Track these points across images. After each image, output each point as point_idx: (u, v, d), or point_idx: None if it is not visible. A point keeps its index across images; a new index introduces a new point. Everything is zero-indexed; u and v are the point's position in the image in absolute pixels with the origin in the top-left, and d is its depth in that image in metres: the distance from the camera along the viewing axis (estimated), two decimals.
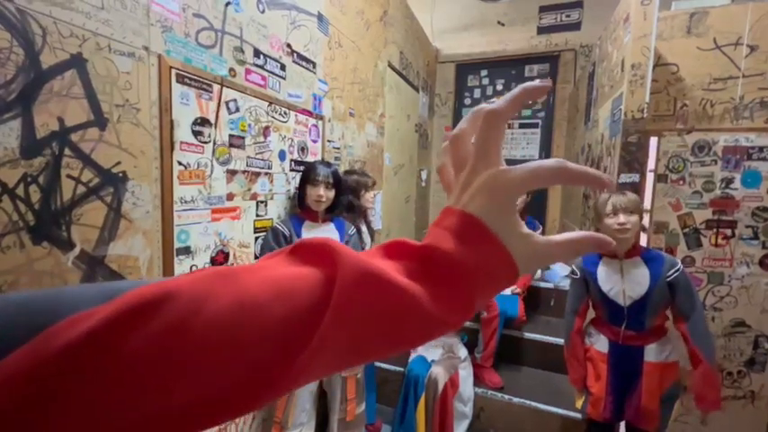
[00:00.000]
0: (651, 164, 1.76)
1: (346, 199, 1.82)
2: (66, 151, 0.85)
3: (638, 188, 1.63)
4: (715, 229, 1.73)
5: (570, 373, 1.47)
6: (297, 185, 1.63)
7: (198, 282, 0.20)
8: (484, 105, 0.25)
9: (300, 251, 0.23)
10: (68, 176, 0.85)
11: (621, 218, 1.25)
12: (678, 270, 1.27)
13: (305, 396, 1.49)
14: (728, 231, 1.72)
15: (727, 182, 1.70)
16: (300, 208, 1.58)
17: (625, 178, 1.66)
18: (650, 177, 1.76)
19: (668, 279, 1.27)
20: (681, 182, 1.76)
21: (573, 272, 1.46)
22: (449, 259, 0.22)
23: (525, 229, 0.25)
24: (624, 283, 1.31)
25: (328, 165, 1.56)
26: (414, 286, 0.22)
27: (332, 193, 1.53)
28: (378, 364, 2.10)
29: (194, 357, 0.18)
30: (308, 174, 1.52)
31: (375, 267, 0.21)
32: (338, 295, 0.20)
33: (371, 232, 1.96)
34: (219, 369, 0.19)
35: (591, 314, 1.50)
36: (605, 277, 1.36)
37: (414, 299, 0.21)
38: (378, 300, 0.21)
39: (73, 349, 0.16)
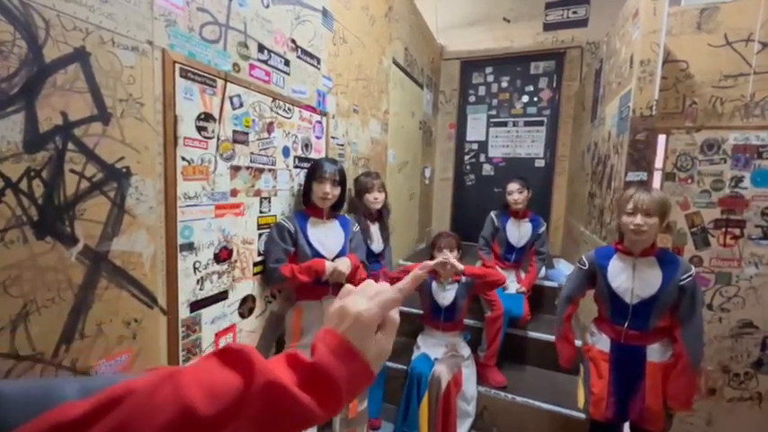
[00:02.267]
0: (659, 162, 1.73)
1: (350, 198, 1.82)
2: (70, 146, 0.84)
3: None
4: (723, 229, 1.71)
5: (561, 353, 1.50)
6: (301, 182, 1.63)
7: (149, 380, 0.29)
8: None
9: (227, 356, 0.33)
10: (72, 171, 0.85)
11: (638, 219, 1.22)
12: (691, 276, 1.25)
13: None
14: (737, 231, 1.70)
15: (737, 181, 1.67)
16: (306, 205, 1.57)
17: (632, 176, 1.64)
18: (658, 176, 1.74)
19: (681, 283, 1.25)
20: (689, 180, 1.73)
21: (581, 261, 1.44)
22: (328, 375, 0.33)
23: (375, 340, 0.37)
24: (634, 281, 1.30)
25: (334, 162, 1.56)
26: (303, 394, 0.32)
27: (337, 191, 1.52)
28: None
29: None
30: (314, 170, 1.51)
31: (278, 379, 0.32)
32: (251, 397, 0.31)
33: (386, 235, 1.96)
34: None
35: (594, 312, 1.49)
36: (616, 272, 1.34)
37: (303, 403, 0.32)
38: (278, 402, 0.32)
39: (61, 428, 0.26)
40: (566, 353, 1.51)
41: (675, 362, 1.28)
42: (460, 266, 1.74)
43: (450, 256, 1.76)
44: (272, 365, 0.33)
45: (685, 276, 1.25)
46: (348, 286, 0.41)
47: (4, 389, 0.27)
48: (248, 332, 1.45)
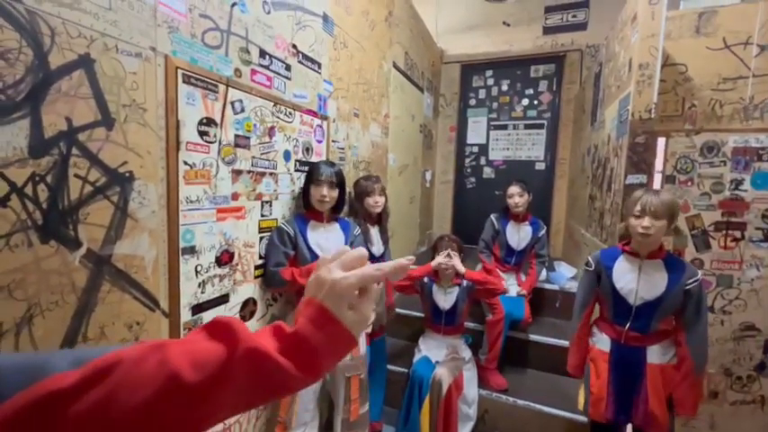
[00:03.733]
0: (659, 165, 1.74)
1: (350, 201, 1.83)
2: (74, 151, 0.85)
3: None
4: (724, 231, 1.71)
5: (570, 359, 1.48)
6: (302, 186, 1.64)
7: (138, 350, 0.31)
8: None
9: (213, 328, 0.35)
10: (76, 176, 0.86)
11: (646, 221, 1.22)
12: (697, 281, 1.25)
13: (308, 396, 1.48)
14: (738, 233, 1.70)
15: (737, 183, 1.68)
16: (306, 208, 1.58)
17: (632, 179, 1.65)
18: (658, 178, 1.75)
19: (687, 287, 1.25)
20: (689, 183, 1.73)
21: (587, 263, 1.44)
22: (307, 342, 0.35)
23: (353, 308, 0.38)
24: (639, 283, 1.30)
25: (332, 164, 1.56)
26: (284, 360, 0.34)
27: (335, 193, 1.53)
28: None
29: (130, 403, 0.28)
30: (311, 174, 1.52)
31: (260, 346, 0.33)
32: (235, 363, 0.32)
33: (386, 238, 1.96)
34: (147, 409, 0.29)
35: (595, 314, 1.49)
36: (620, 274, 1.34)
37: (284, 368, 0.34)
38: (261, 368, 0.33)
39: (51, 399, 0.27)
40: (575, 359, 1.47)
41: (679, 365, 1.28)
42: (462, 269, 1.75)
43: (456, 258, 1.76)
44: (255, 335, 0.35)
45: (691, 281, 1.25)
46: (324, 257, 0.41)
47: None
48: None
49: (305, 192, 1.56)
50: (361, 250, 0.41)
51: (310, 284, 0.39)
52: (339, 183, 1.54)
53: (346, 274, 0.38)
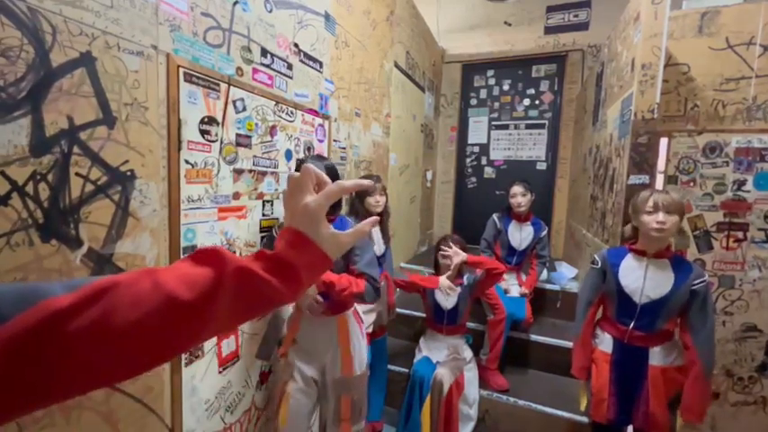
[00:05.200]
0: (661, 165, 1.73)
1: (351, 200, 1.82)
2: (75, 149, 0.85)
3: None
4: (726, 232, 1.71)
5: (575, 361, 1.45)
6: None
7: (131, 275, 0.33)
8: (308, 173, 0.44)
9: (199, 256, 0.37)
10: (77, 174, 0.86)
11: (661, 216, 1.22)
12: (704, 281, 1.25)
13: (301, 411, 1.40)
14: (740, 234, 1.69)
15: (739, 184, 1.67)
16: None
17: (634, 179, 1.64)
18: (660, 179, 1.74)
19: (693, 287, 1.24)
20: (691, 183, 1.73)
21: (593, 261, 1.44)
22: (287, 261, 0.39)
23: (330, 230, 0.42)
24: (645, 281, 1.29)
25: (320, 158, 1.51)
26: (269, 276, 0.37)
27: None
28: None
29: (127, 319, 0.30)
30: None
31: (247, 264, 0.37)
32: (225, 281, 0.35)
33: (387, 238, 1.95)
34: (148, 322, 0.31)
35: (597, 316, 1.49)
36: (627, 271, 1.33)
37: (269, 282, 0.37)
38: (248, 283, 0.37)
39: (52, 317, 0.28)
40: (579, 362, 1.44)
41: (687, 369, 1.27)
42: (464, 256, 1.74)
43: (460, 253, 1.76)
44: (240, 258, 0.38)
45: (698, 281, 1.25)
46: (290, 188, 0.44)
47: None
48: (250, 335, 1.45)
49: None
50: (321, 175, 0.44)
51: (285, 216, 0.43)
52: (330, 177, 1.46)
53: (314, 197, 0.42)
